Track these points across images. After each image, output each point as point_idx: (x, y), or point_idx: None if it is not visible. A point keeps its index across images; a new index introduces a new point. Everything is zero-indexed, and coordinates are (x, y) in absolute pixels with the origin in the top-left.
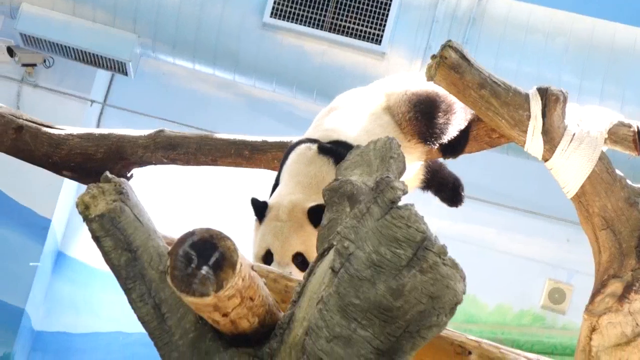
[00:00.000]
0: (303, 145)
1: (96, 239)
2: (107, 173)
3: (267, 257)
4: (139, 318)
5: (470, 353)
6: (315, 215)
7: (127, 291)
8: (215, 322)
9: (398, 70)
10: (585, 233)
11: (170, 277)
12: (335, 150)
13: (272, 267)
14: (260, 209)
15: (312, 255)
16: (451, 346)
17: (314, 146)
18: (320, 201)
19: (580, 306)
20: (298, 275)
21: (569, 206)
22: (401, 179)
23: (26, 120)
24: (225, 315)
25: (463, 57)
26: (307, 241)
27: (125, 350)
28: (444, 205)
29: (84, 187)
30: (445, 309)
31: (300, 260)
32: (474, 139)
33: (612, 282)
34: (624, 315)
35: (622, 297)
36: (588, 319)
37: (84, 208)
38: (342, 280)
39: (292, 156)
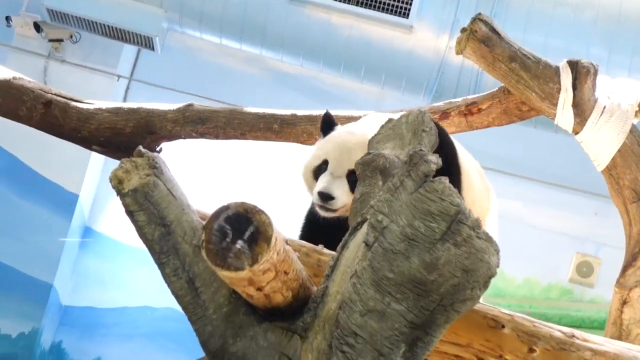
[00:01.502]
0: None
1: (130, 213)
2: (140, 147)
3: (319, 169)
4: (173, 292)
5: (503, 327)
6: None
7: (161, 265)
8: (249, 296)
9: (426, 44)
10: (616, 206)
11: (205, 251)
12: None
13: (321, 179)
14: (329, 123)
15: None
16: (484, 319)
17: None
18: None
19: (608, 280)
20: (346, 190)
21: (597, 179)
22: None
23: (55, 94)
24: (259, 289)
25: (493, 30)
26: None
27: (152, 324)
28: None
29: (111, 161)
30: (480, 283)
31: (354, 179)
32: (504, 112)
33: None
34: None
35: None
36: (619, 292)
37: (117, 182)
38: (376, 254)
39: None
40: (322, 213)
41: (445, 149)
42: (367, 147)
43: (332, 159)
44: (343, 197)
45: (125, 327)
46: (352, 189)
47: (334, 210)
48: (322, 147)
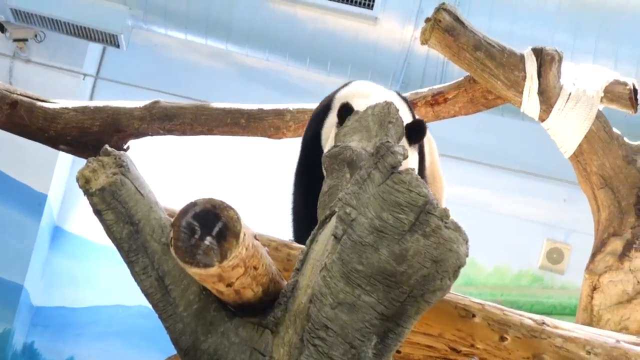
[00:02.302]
0: None
1: (97, 212)
2: (107, 146)
3: None
4: (143, 291)
5: (474, 316)
6: (414, 131)
7: (130, 264)
8: (219, 293)
9: (391, 35)
10: (584, 192)
11: (174, 249)
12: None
13: None
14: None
15: None
16: (455, 309)
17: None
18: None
19: (579, 266)
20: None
21: (565, 166)
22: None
23: (20, 95)
24: (229, 285)
25: (457, 19)
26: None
27: (125, 322)
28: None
29: (79, 161)
30: (449, 273)
31: None
32: (470, 101)
33: (612, 240)
34: (625, 273)
35: (623, 255)
36: (589, 278)
37: (84, 182)
38: (345, 247)
39: None
40: None
41: None
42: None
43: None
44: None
45: (98, 326)
46: None
47: None
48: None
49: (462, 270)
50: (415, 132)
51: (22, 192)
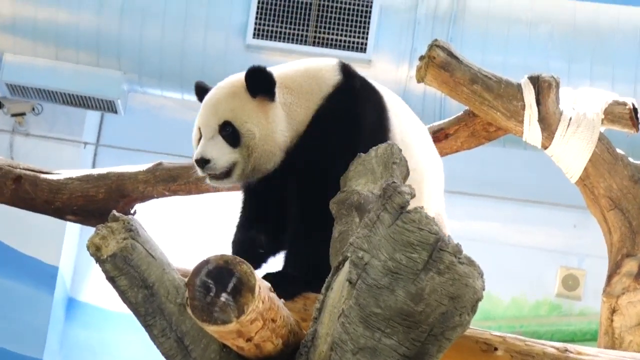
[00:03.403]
0: None
1: (111, 279)
2: (114, 212)
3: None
4: (163, 353)
5: (496, 349)
6: (251, 78)
7: (148, 328)
8: (239, 349)
9: (386, 76)
10: (594, 216)
11: (191, 308)
12: (353, 75)
13: (200, 144)
14: (203, 91)
15: (244, 123)
16: (476, 344)
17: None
18: (280, 81)
19: (595, 290)
20: (224, 150)
21: (572, 191)
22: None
23: (23, 169)
24: (249, 340)
25: (451, 54)
26: (240, 109)
27: None
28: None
29: (88, 229)
30: (467, 308)
31: (230, 132)
32: (472, 135)
33: (627, 261)
34: None
35: (639, 275)
36: (607, 301)
37: (95, 250)
38: (361, 291)
39: None
40: (214, 184)
41: (352, 106)
42: (236, 89)
43: (202, 124)
44: (222, 155)
45: None
46: (232, 142)
47: (224, 174)
48: (197, 117)
49: (479, 305)
50: (252, 82)
51: (33, 266)
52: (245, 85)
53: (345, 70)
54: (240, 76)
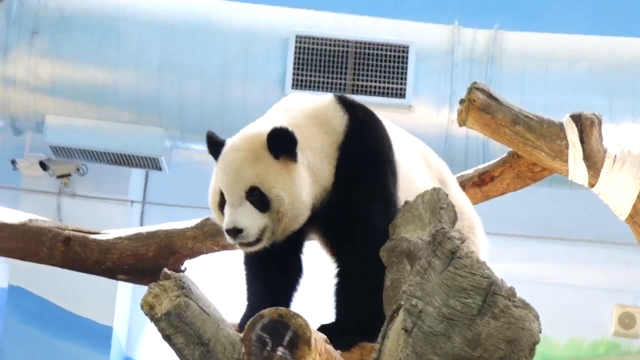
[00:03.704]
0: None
1: (167, 337)
2: (166, 270)
3: (221, 205)
4: None
5: None
6: (275, 140)
7: None
8: None
9: (427, 120)
10: None
11: None
12: (355, 107)
13: (226, 211)
14: (217, 143)
15: (272, 188)
16: None
17: (331, 95)
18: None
19: None
20: (254, 217)
21: (622, 229)
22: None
23: (72, 230)
24: None
25: (491, 96)
26: (266, 173)
27: None
28: (497, 247)
29: (140, 288)
30: (525, 351)
31: (257, 197)
32: (517, 177)
33: None
34: None
35: None
36: None
37: (149, 309)
38: (417, 339)
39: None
40: (247, 250)
41: (369, 144)
42: (258, 152)
43: (226, 189)
44: (253, 223)
45: None
46: (261, 208)
47: (255, 242)
48: (214, 178)
49: (537, 348)
50: (275, 143)
51: (87, 327)
52: (267, 146)
53: (346, 104)
54: (257, 133)
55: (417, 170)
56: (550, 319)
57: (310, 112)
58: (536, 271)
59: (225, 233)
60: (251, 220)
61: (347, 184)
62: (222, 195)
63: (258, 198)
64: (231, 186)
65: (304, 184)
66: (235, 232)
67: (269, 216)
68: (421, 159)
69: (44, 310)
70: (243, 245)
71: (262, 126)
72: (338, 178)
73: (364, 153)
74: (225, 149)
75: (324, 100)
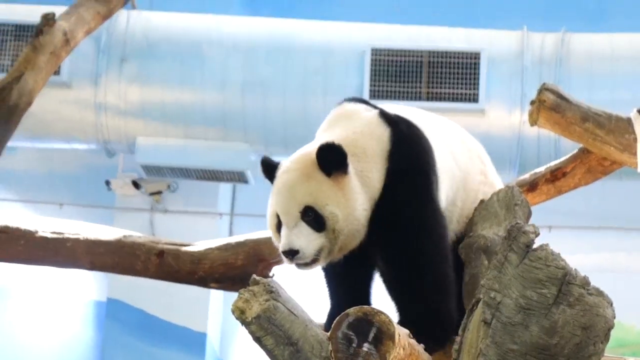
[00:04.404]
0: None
1: (257, 339)
2: (254, 276)
3: (279, 224)
4: None
5: None
6: (324, 156)
7: None
8: None
9: (500, 122)
10: None
11: None
12: (397, 122)
13: (282, 233)
14: (271, 168)
15: (326, 206)
16: None
17: (373, 110)
18: (347, 151)
19: None
20: (310, 237)
21: None
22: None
23: (165, 244)
24: None
25: (560, 96)
26: (318, 191)
27: None
28: (570, 239)
29: (230, 295)
30: (600, 337)
31: (312, 217)
32: (588, 171)
33: None
34: None
35: None
36: None
37: (240, 313)
38: (496, 330)
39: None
40: (304, 269)
41: (414, 152)
42: (309, 170)
43: (280, 211)
44: (309, 243)
45: None
46: (316, 227)
47: (312, 262)
48: (270, 201)
49: (612, 334)
50: (325, 160)
51: (183, 334)
52: (318, 164)
53: (387, 118)
54: (307, 152)
55: (463, 165)
56: (624, 306)
57: (362, 126)
58: (609, 261)
59: (282, 255)
60: (307, 240)
61: (398, 195)
62: (278, 217)
63: (313, 218)
64: (285, 207)
65: (357, 197)
66: (291, 253)
67: (325, 235)
68: (465, 150)
69: (141, 320)
70: (300, 265)
71: (313, 144)
72: (387, 190)
73: (408, 162)
74: (279, 172)
75: (368, 113)
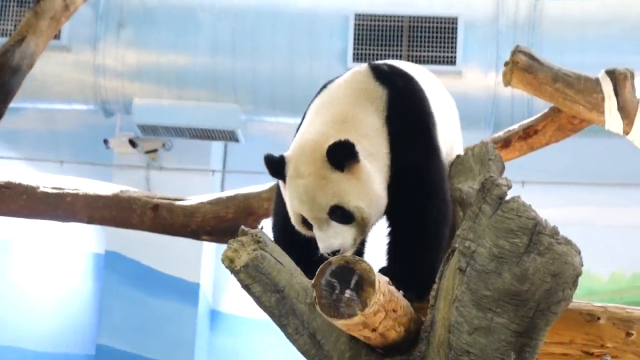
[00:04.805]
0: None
1: (246, 287)
2: (243, 227)
3: (305, 223)
4: (299, 349)
5: (599, 318)
6: (335, 154)
7: (283, 327)
8: (366, 338)
9: (476, 84)
10: None
11: (319, 306)
12: (392, 77)
13: (316, 235)
14: (278, 167)
15: (349, 202)
16: (580, 315)
17: (365, 66)
18: (349, 136)
19: None
20: (344, 233)
21: None
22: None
23: (160, 198)
24: (374, 330)
25: (532, 57)
26: (338, 190)
27: None
28: (542, 194)
29: (222, 246)
30: (569, 283)
31: (340, 214)
32: (558, 129)
33: None
34: None
35: None
36: None
37: (229, 262)
38: (471, 277)
39: (337, 83)
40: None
41: (413, 109)
42: (324, 172)
43: (308, 217)
44: (344, 239)
45: None
46: (346, 221)
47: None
48: (291, 204)
49: (581, 283)
50: (336, 158)
51: (178, 285)
52: (330, 164)
53: (380, 73)
54: (316, 150)
55: (449, 123)
56: (592, 257)
57: (353, 95)
58: (579, 215)
59: (327, 256)
60: (342, 237)
61: (401, 148)
62: (303, 218)
63: (341, 214)
64: (312, 213)
65: (374, 179)
66: (333, 253)
67: (355, 225)
68: (452, 105)
69: (137, 271)
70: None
71: (316, 136)
72: (393, 148)
73: (410, 118)
74: (290, 174)
75: (361, 74)
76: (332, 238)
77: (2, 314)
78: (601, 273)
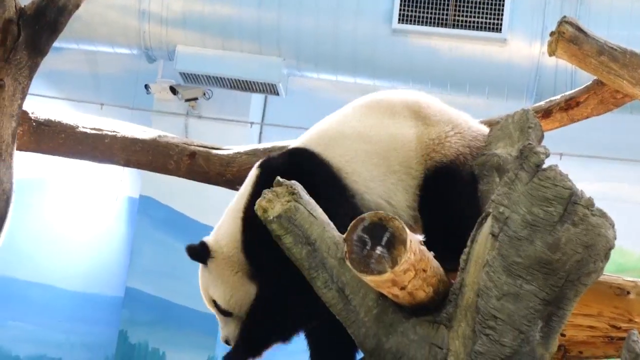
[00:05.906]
0: None
1: (277, 237)
2: (278, 178)
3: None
4: (326, 302)
5: (628, 293)
6: (194, 254)
7: (312, 280)
8: (394, 296)
9: (521, 53)
10: None
11: (349, 261)
12: (267, 163)
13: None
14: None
15: (218, 298)
16: (610, 289)
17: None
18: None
19: None
20: (228, 324)
21: None
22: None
23: (197, 146)
24: (402, 288)
25: (579, 29)
26: (210, 286)
27: None
28: (579, 167)
29: None
30: (600, 255)
31: (218, 306)
32: (600, 102)
33: None
34: None
35: None
36: None
37: (262, 212)
38: (503, 243)
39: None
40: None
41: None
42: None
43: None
44: (229, 332)
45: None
46: (223, 313)
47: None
48: None
49: (612, 258)
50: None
51: (208, 232)
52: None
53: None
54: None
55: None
56: (625, 233)
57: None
58: (613, 191)
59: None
60: (226, 329)
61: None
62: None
63: (219, 309)
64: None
65: (228, 272)
66: (227, 343)
67: (235, 318)
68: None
69: (170, 217)
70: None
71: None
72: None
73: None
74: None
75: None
76: (222, 329)
77: (33, 252)
78: (633, 250)
